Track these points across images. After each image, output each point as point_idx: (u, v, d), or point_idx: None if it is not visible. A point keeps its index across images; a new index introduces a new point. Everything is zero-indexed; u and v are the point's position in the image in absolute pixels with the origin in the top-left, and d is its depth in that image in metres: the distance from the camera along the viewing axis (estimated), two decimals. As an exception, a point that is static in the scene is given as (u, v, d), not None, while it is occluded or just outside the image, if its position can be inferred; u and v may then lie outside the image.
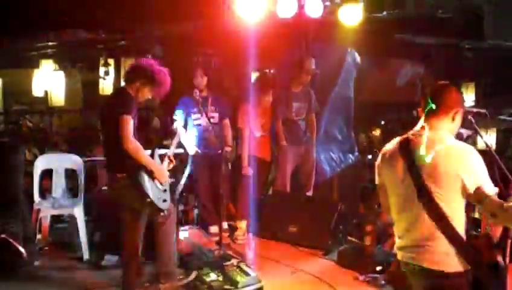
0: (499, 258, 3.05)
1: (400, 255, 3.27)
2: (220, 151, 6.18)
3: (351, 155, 8.23)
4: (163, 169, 5.00)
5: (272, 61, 8.34)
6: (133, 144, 4.60)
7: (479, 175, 3.00)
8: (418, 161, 3.08)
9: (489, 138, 7.96)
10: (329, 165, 8.09)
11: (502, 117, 8.41)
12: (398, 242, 3.29)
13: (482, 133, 3.68)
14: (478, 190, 2.97)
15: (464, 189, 2.99)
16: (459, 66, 9.87)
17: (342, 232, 6.82)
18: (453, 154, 3.04)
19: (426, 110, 3.20)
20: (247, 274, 5.45)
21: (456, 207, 3.04)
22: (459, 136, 3.31)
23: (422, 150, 3.08)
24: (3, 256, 5.65)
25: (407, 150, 3.15)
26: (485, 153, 3.27)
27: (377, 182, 3.43)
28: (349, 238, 6.70)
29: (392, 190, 3.27)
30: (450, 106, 3.17)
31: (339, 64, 8.32)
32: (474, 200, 3.02)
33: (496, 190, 3.03)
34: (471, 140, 8.28)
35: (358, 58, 8.50)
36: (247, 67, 7.54)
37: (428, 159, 3.05)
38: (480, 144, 5.02)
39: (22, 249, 1.99)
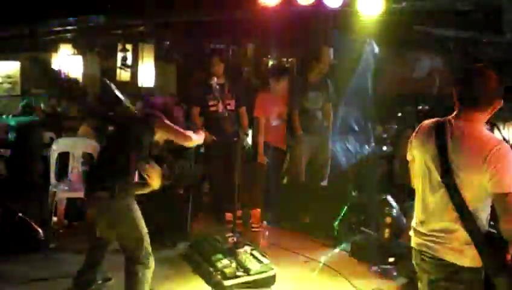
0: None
1: (414, 241, 3.20)
2: (235, 139, 6.18)
3: (367, 146, 8.18)
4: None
5: (290, 50, 8.32)
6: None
7: (504, 179, 2.82)
8: (448, 147, 2.97)
9: (507, 132, 7.88)
10: (345, 156, 8.05)
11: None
12: (415, 226, 3.20)
13: (500, 126, 3.60)
14: (499, 197, 2.84)
15: (487, 186, 2.85)
16: (477, 59, 9.78)
17: (356, 222, 6.80)
18: (483, 148, 2.87)
19: (460, 98, 3.03)
20: (260, 261, 5.48)
21: (479, 200, 2.92)
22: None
23: (453, 138, 2.98)
24: (20, 235, 5.71)
25: (441, 134, 3.02)
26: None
27: (408, 157, 3.34)
28: (362, 229, 6.69)
29: (419, 171, 3.17)
30: (489, 97, 2.97)
31: (358, 55, 8.27)
32: (493, 202, 2.91)
33: None
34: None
35: (376, 49, 8.44)
36: (265, 56, 7.52)
37: (456, 148, 2.95)
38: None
39: (38, 229, 2.02)
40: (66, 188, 6.77)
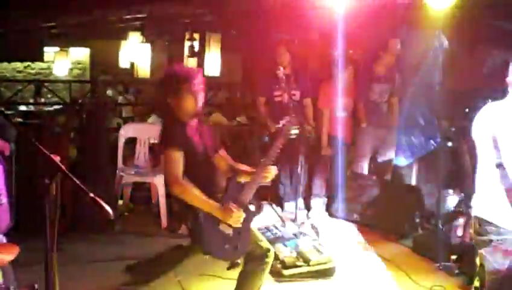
0: None
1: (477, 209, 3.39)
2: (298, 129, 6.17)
3: (432, 141, 8.05)
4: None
5: (357, 42, 8.24)
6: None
7: None
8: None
9: None
10: (410, 150, 7.95)
11: None
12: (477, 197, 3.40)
13: None
14: None
15: None
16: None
17: (419, 218, 6.72)
18: None
19: None
20: (320, 252, 5.48)
21: None
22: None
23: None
24: (89, 215, 5.88)
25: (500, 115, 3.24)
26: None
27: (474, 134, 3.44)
28: (425, 224, 6.61)
29: (481, 150, 3.34)
30: None
31: (426, 49, 8.13)
32: None
33: None
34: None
35: (446, 43, 8.28)
36: (330, 47, 7.46)
37: None
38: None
39: (109, 210, 2.08)
40: (133, 172, 6.94)
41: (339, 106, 7.22)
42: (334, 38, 7.02)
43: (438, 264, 5.68)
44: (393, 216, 6.71)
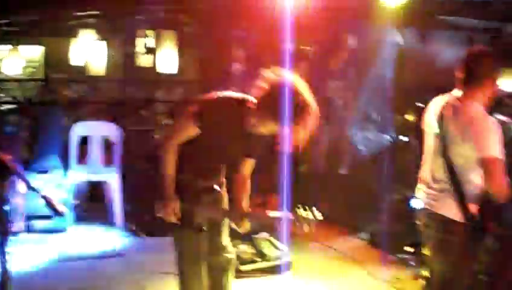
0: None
1: (423, 202, 3.50)
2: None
3: (386, 136, 8.13)
4: None
5: (309, 38, 8.25)
6: None
7: (486, 146, 3.12)
8: (445, 121, 3.32)
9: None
10: (365, 145, 8.01)
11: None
12: (424, 189, 3.51)
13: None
14: (482, 161, 3.13)
15: (473, 153, 3.16)
16: (500, 50, 9.66)
17: (374, 211, 6.77)
18: (471, 121, 3.19)
19: (460, 78, 3.36)
20: (276, 248, 5.49)
21: (469, 166, 3.22)
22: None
23: (450, 114, 3.31)
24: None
25: (442, 111, 3.37)
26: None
27: (422, 126, 3.61)
28: (380, 217, 6.66)
29: (429, 143, 3.51)
30: (481, 75, 3.31)
31: (379, 44, 8.20)
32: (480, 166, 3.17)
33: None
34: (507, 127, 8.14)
35: (399, 39, 8.37)
36: (283, 43, 7.47)
37: (453, 123, 3.27)
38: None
39: (62, 208, 2.04)
40: (85, 172, 6.83)
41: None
42: (286, 34, 7.01)
43: (394, 256, 5.74)
44: (349, 210, 6.74)
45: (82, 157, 7.03)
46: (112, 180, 6.61)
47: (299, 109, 3.07)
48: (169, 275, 4.98)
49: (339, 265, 5.72)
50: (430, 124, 3.48)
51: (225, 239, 3.75)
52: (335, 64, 7.39)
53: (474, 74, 3.30)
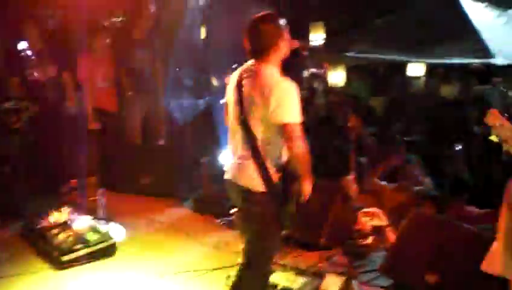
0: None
1: (227, 173, 3.47)
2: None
3: (202, 101, 8.10)
4: None
5: (108, 10, 7.95)
6: None
7: (285, 110, 3.11)
8: (243, 89, 3.29)
9: (338, 75, 8.10)
10: (181, 112, 7.92)
11: (348, 54, 8.54)
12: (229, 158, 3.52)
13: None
14: (282, 127, 3.14)
15: (271, 118, 3.13)
16: (306, 6, 9.93)
17: (197, 179, 6.74)
18: (267, 86, 3.15)
19: (248, 49, 3.32)
20: (98, 232, 5.28)
21: (268, 134, 3.21)
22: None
23: (247, 80, 3.29)
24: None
25: (239, 78, 3.34)
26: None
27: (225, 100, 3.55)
28: (201, 184, 6.65)
29: (231, 111, 3.41)
30: (265, 46, 3.26)
31: (182, 9, 8.08)
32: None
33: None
34: (320, 79, 8.42)
35: (202, 1, 8.29)
36: (83, 17, 7.12)
37: (247, 88, 3.26)
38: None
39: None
40: None
41: (99, 77, 6.93)
42: (82, 8, 6.69)
43: (220, 220, 5.76)
44: (171, 181, 6.67)
45: None
46: None
47: None
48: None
49: (166, 237, 5.63)
50: (231, 94, 3.42)
51: None
52: (140, 34, 7.16)
53: (258, 47, 3.27)
